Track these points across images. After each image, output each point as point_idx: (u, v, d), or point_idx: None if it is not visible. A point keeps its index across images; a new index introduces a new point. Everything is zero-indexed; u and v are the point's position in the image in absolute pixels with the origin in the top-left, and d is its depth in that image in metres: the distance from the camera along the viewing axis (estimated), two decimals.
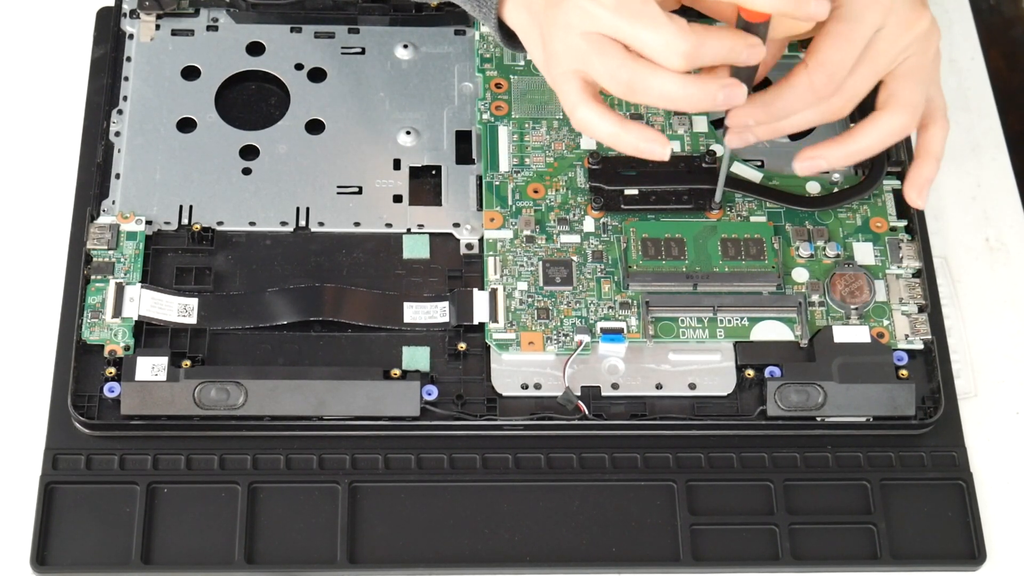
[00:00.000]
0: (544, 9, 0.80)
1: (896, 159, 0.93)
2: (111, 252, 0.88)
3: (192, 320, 0.87)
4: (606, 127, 0.80)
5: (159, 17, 0.97)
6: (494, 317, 0.88)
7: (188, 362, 0.85)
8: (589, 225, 0.91)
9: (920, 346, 0.88)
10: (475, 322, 0.88)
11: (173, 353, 0.85)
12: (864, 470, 0.86)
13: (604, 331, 0.87)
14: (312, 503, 0.84)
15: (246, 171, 0.93)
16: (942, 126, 0.87)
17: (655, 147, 0.80)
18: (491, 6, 0.83)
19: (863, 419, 0.86)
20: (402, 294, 0.89)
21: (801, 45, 0.96)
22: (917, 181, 0.87)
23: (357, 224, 0.91)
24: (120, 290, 0.87)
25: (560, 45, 0.79)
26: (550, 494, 0.85)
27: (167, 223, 0.90)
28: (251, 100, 0.96)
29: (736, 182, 0.92)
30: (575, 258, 0.90)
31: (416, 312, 0.88)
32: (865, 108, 0.85)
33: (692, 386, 0.87)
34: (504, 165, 0.93)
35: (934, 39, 0.83)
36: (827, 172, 0.92)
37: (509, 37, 0.85)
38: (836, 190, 0.93)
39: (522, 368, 0.87)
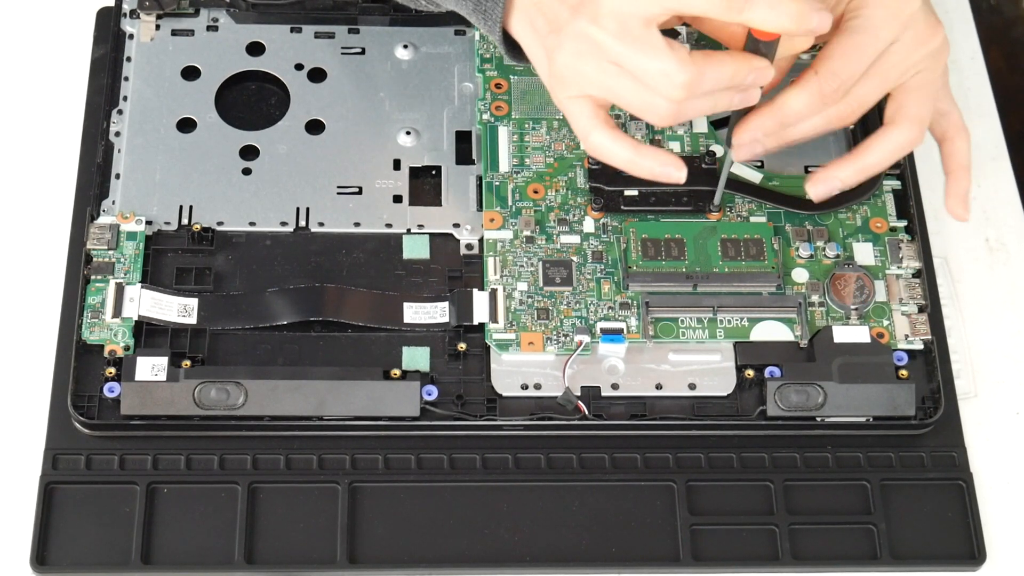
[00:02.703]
0: (548, 32, 0.79)
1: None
2: (111, 252, 0.88)
3: (192, 320, 0.87)
4: (622, 153, 0.80)
5: (159, 17, 0.97)
6: (494, 317, 0.88)
7: (188, 362, 0.85)
8: (589, 225, 0.91)
9: (920, 346, 0.88)
10: (475, 322, 0.88)
11: (173, 353, 0.85)
12: (864, 470, 0.86)
13: (604, 331, 0.87)
14: (312, 503, 0.84)
15: (246, 171, 0.92)
16: (964, 136, 0.87)
17: (671, 171, 0.80)
18: (496, 19, 0.82)
19: (863, 419, 0.86)
20: (402, 294, 0.89)
21: None
22: (958, 194, 0.87)
23: (357, 224, 0.91)
24: (120, 290, 0.87)
25: (569, 71, 0.78)
26: (550, 494, 0.85)
27: (167, 223, 0.90)
28: (251, 100, 0.96)
29: (736, 184, 0.92)
30: (575, 258, 0.90)
31: (416, 312, 0.88)
32: (866, 117, 0.86)
33: (692, 386, 0.87)
34: (504, 165, 0.93)
35: (944, 55, 0.83)
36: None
37: (513, 48, 0.84)
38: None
39: (522, 368, 0.87)
